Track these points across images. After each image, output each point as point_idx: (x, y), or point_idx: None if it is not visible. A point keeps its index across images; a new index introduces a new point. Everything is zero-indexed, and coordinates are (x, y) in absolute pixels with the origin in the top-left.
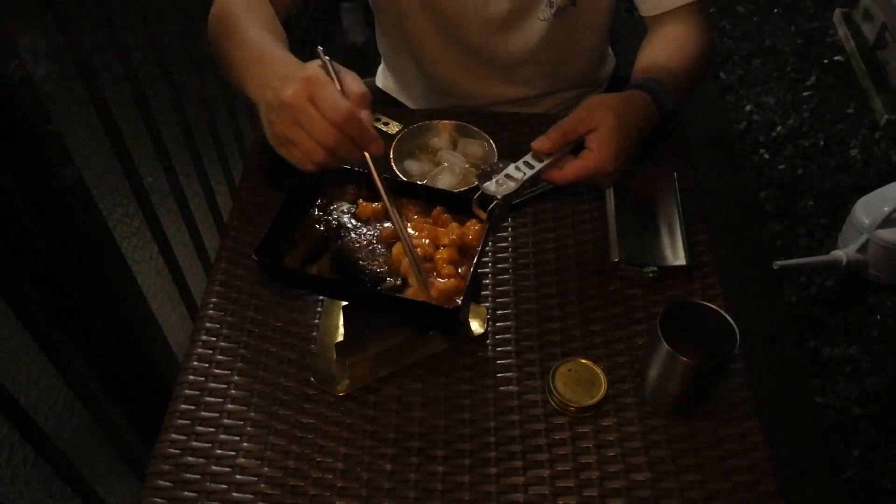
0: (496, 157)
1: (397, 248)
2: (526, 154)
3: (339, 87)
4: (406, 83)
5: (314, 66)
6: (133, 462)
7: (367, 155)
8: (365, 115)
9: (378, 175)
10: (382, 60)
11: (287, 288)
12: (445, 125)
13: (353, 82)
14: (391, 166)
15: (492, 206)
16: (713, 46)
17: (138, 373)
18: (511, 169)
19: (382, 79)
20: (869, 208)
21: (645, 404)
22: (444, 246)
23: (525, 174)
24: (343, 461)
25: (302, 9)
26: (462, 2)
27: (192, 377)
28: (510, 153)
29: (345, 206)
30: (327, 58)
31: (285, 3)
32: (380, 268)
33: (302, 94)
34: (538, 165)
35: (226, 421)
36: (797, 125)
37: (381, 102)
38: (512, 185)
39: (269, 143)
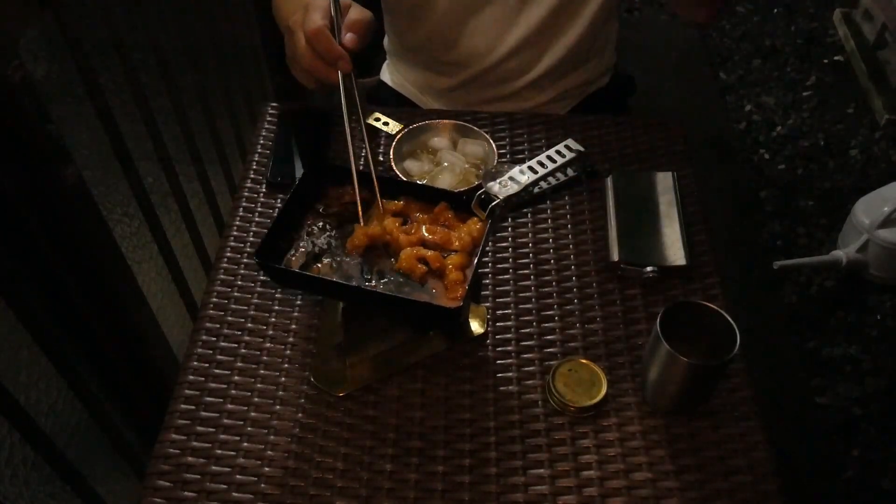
0: (496, 157)
1: (405, 255)
2: (530, 159)
3: (336, 13)
4: (415, 68)
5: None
6: (133, 462)
7: (339, 75)
8: (349, 38)
9: (347, 87)
10: (388, 55)
11: (287, 288)
12: (445, 125)
13: (355, 10)
14: (391, 166)
15: (492, 205)
16: None
17: (138, 373)
18: (515, 172)
19: (388, 74)
20: (869, 208)
21: (645, 404)
22: (455, 251)
23: (528, 178)
24: (343, 461)
25: None
26: None
27: (192, 377)
28: (510, 153)
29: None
30: None
31: None
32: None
33: (299, 19)
34: (542, 171)
35: (226, 421)
36: (797, 125)
37: (386, 99)
38: (514, 188)
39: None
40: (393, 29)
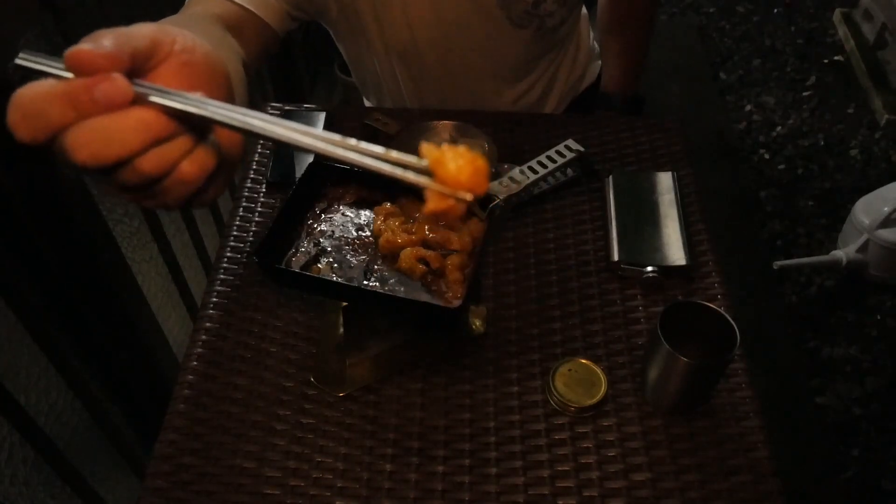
0: (496, 158)
1: (405, 255)
2: (530, 159)
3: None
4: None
5: None
6: (133, 462)
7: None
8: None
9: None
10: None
11: (287, 288)
12: (445, 125)
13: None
14: None
15: (492, 205)
16: None
17: (138, 373)
18: (515, 172)
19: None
20: (869, 208)
21: (645, 404)
22: (455, 251)
23: (529, 178)
24: (343, 461)
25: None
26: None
27: (192, 377)
28: (510, 153)
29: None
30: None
31: (259, 42)
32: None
33: None
34: (542, 171)
35: (226, 421)
36: (797, 125)
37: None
38: (514, 187)
39: None
40: (359, 61)
